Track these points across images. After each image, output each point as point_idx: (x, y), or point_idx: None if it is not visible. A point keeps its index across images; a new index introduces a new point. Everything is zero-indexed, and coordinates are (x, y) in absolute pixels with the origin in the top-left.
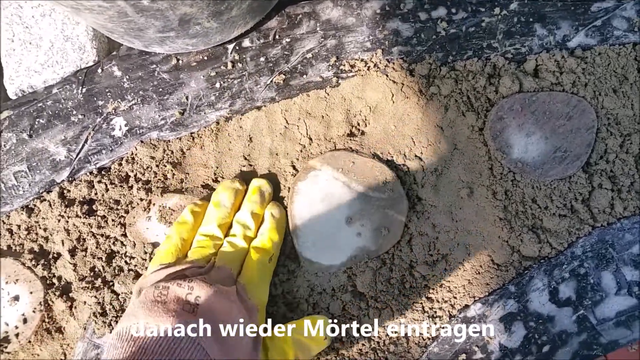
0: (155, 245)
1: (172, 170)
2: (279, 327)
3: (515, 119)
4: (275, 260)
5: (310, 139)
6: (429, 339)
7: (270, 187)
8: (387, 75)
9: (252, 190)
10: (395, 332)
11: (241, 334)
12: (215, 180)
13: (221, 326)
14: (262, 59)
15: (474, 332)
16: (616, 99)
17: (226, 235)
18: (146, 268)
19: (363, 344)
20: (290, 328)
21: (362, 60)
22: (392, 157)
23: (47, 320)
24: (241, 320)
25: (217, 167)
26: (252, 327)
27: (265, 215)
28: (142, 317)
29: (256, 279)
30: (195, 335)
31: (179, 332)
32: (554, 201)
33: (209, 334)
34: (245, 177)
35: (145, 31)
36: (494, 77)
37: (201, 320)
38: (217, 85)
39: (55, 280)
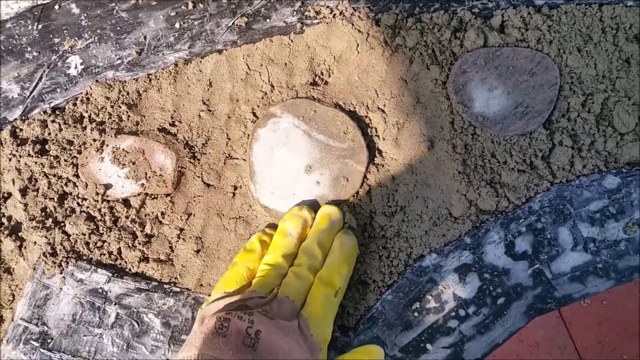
0: (107, 187)
1: (127, 112)
2: None
3: (478, 73)
4: (342, 294)
5: (272, 86)
6: (384, 286)
7: (340, 214)
8: (352, 24)
9: (321, 219)
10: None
11: None
12: (172, 125)
13: None
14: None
15: (428, 282)
16: (580, 58)
17: (292, 264)
18: (99, 210)
19: None
20: None
21: (327, 7)
22: (355, 108)
23: None
24: (302, 358)
25: (175, 111)
26: None
27: (334, 244)
28: (202, 349)
29: (320, 314)
30: None
31: None
32: (514, 156)
33: None
34: (315, 206)
35: None
36: (459, 31)
37: (260, 356)
38: (177, 25)
39: (4, 220)
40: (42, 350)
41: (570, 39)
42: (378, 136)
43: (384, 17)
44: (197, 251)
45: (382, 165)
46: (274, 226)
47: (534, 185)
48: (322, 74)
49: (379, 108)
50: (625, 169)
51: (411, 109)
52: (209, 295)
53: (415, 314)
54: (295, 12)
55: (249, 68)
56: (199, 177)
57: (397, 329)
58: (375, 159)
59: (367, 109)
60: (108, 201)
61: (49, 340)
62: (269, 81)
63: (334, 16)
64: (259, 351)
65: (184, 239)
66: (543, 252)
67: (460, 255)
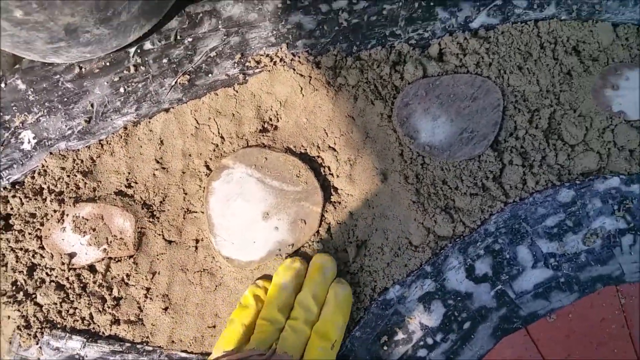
0: (72, 255)
1: (83, 180)
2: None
3: (420, 104)
4: (339, 346)
5: (223, 137)
6: (351, 323)
7: (333, 264)
8: (294, 69)
9: (313, 269)
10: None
11: None
12: (128, 186)
13: None
14: (164, 60)
15: (394, 315)
16: (522, 76)
17: (289, 316)
18: (67, 279)
19: None
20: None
21: (267, 55)
22: (306, 149)
23: None
24: None
25: (129, 173)
26: None
27: (329, 295)
28: None
29: None
30: None
31: None
32: (464, 181)
33: None
34: (307, 257)
35: (33, 44)
36: (399, 64)
37: None
38: (122, 90)
39: None
40: None
41: (509, 58)
42: (332, 174)
43: (323, 59)
44: (165, 309)
45: (339, 203)
46: (267, 277)
47: (488, 207)
48: (270, 120)
49: (329, 147)
50: (579, 180)
51: (361, 144)
52: (183, 352)
53: (385, 348)
54: (236, 64)
55: (197, 123)
56: (159, 234)
57: None
58: (332, 197)
59: (318, 149)
60: (74, 269)
61: None
62: (218, 133)
63: (274, 63)
64: None
65: (151, 298)
66: (504, 273)
67: (423, 284)
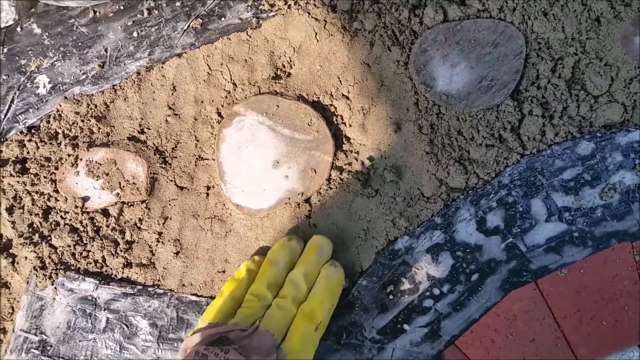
0: (85, 199)
1: (97, 124)
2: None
3: (439, 50)
4: (324, 328)
5: (235, 84)
6: (358, 272)
7: (330, 247)
8: (308, 13)
9: (309, 249)
10: None
11: None
12: (141, 132)
13: None
14: (177, 3)
15: (401, 265)
16: (546, 22)
17: (277, 294)
18: (80, 222)
19: None
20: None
21: None
22: (319, 97)
23: None
24: None
25: (142, 118)
26: None
27: (320, 275)
28: None
29: (299, 349)
30: None
31: None
32: (481, 131)
33: None
34: (306, 235)
35: None
36: (418, 8)
37: None
38: (135, 34)
39: None
40: (42, 357)
41: (534, 3)
42: (344, 123)
43: (339, 2)
44: (177, 253)
45: (351, 152)
46: (264, 251)
47: (504, 159)
48: (283, 66)
49: (343, 95)
50: (600, 133)
51: (375, 93)
52: (193, 295)
53: (391, 297)
54: (249, 8)
55: (210, 68)
56: (171, 181)
57: (373, 312)
58: (344, 146)
59: (331, 97)
60: (88, 212)
61: (48, 348)
62: (231, 80)
63: (289, 7)
64: None
65: (162, 243)
66: (515, 226)
67: (432, 235)
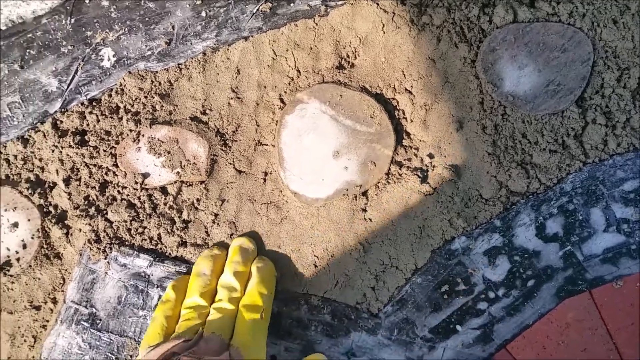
0: (145, 175)
1: (160, 102)
2: None
3: (508, 51)
4: (269, 315)
5: (299, 71)
6: (412, 270)
7: (252, 244)
8: (377, 4)
9: (233, 251)
10: (383, 264)
11: None
12: (203, 113)
13: None
14: None
15: (457, 265)
16: (616, 31)
17: (213, 302)
18: (138, 198)
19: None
20: None
21: None
22: (382, 90)
23: (45, 246)
24: None
25: (205, 100)
26: None
27: (252, 270)
28: None
29: (249, 339)
30: None
31: None
32: (545, 136)
33: None
34: (226, 243)
35: None
36: (488, 7)
37: None
38: (203, 14)
39: (51, 209)
40: (92, 330)
41: (605, 10)
42: (406, 118)
43: None
44: (231, 235)
45: (411, 148)
46: (187, 274)
47: (566, 166)
48: (348, 56)
49: (406, 90)
50: None
51: (439, 89)
52: None
53: (445, 296)
54: None
55: (275, 54)
56: (231, 164)
57: (426, 311)
58: (404, 141)
59: (394, 91)
60: (147, 189)
61: (98, 321)
62: (295, 66)
63: None
64: None
65: (218, 224)
66: (574, 234)
67: (490, 237)
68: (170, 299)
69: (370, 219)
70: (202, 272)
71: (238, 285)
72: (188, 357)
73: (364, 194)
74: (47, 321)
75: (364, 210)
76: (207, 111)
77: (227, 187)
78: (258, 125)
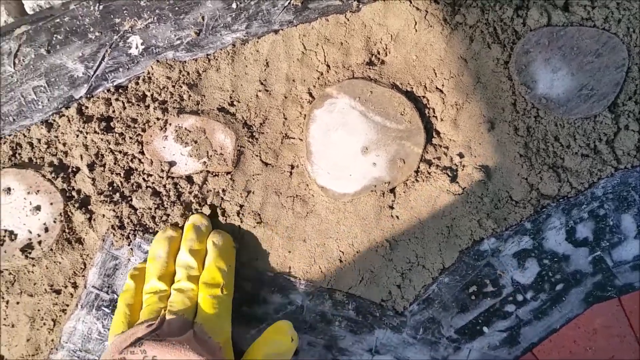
0: (172, 164)
1: (188, 92)
2: (249, 353)
3: (541, 53)
4: (231, 289)
5: (328, 66)
6: (439, 269)
7: (206, 220)
8: (410, 2)
9: (187, 230)
10: (410, 262)
11: None
12: (231, 104)
13: None
14: None
15: (485, 266)
16: None
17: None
18: (164, 186)
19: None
20: (259, 348)
21: None
22: (412, 88)
23: (67, 230)
24: None
25: (233, 91)
26: None
27: (207, 247)
28: None
29: (212, 315)
30: None
31: None
32: (577, 140)
33: None
34: (180, 224)
35: None
36: (521, 9)
37: None
38: (234, 5)
39: (74, 193)
40: (112, 316)
41: None
42: (436, 117)
43: None
44: (255, 227)
45: (440, 147)
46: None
47: (598, 171)
48: (378, 53)
49: (437, 88)
50: None
51: (471, 89)
52: (268, 272)
53: (472, 297)
54: None
55: (305, 48)
56: (257, 155)
57: (453, 311)
58: (433, 139)
59: (424, 89)
60: (172, 178)
61: None
62: (324, 61)
63: None
64: None
65: (243, 215)
66: (604, 240)
67: (520, 240)
68: (130, 288)
69: (397, 217)
70: (157, 255)
71: (195, 262)
72: (152, 341)
73: (392, 191)
74: (67, 305)
75: (391, 207)
76: (235, 103)
77: (253, 179)
78: (285, 119)
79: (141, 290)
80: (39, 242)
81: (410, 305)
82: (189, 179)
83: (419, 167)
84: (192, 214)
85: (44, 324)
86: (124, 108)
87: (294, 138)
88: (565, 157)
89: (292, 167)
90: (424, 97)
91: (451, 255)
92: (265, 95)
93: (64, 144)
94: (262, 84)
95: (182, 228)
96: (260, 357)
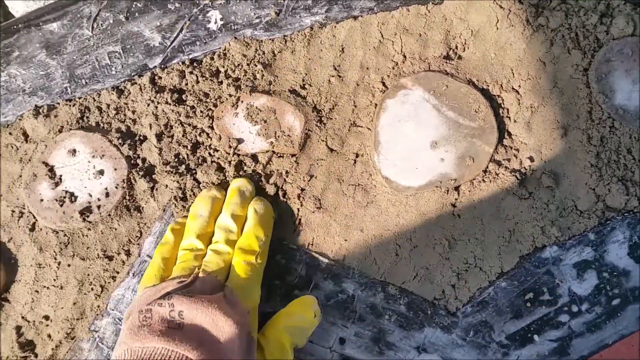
0: (240, 141)
1: (262, 71)
2: (271, 322)
3: (623, 63)
4: (264, 258)
5: (405, 56)
6: (497, 273)
7: (251, 185)
8: None
9: (231, 193)
10: (467, 263)
11: (231, 341)
12: (303, 87)
13: (209, 336)
14: None
15: (545, 274)
16: None
17: (210, 245)
18: (229, 162)
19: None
20: (281, 319)
21: None
22: (488, 86)
23: (127, 197)
24: (229, 327)
25: (306, 74)
26: (242, 332)
27: (248, 213)
28: (131, 343)
29: (244, 281)
30: (183, 350)
31: (166, 350)
32: None
33: (196, 346)
34: (225, 184)
35: None
36: (606, 17)
37: (188, 334)
38: None
39: (139, 161)
40: None
41: None
42: (509, 118)
43: None
44: (313, 212)
45: (511, 148)
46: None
47: None
48: (456, 47)
49: (513, 88)
50: None
51: (547, 93)
52: (323, 257)
53: (528, 304)
54: None
55: (382, 36)
56: (323, 141)
57: (506, 316)
58: (504, 140)
59: (500, 88)
60: (238, 155)
61: None
62: (401, 51)
63: None
64: (186, 329)
65: (303, 198)
66: None
67: (582, 251)
68: (168, 242)
69: (459, 215)
70: (199, 214)
71: (235, 227)
72: (182, 296)
73: (457, 188)
74: (118, 273)
75: (454, 205)
76: (307, 86)
77: (317, 164)
78: (355, 106)
79: (178, 245)
80: (98, 207)
81: (464, 306)
82: (254, 157)
83: (487, 166)
84: (238, 176)
85: (92, 289)
86: (197, 82)
87: (361, 126)
88: (636, 170)
89: (357, 155)
90: (499, 96)
91: (511, 260)
92: (337, 81)
93: (133, 112)
94: (335, 69)
95: (225, 189)
96: (280, 328)
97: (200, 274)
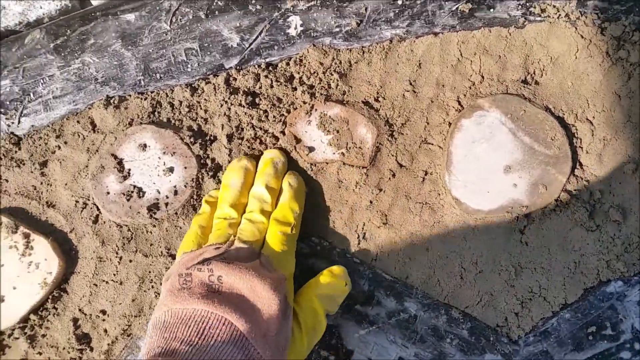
0: (310, 149)
1: (337, 80)
2: (303, 291)
3: None
4: (298, 230)
5: (482, 76)
6: (561, 305)
7: (283, 157)
8: (576, 28)
9: (264, 164)
10: (532, 291)
11: (268, 306)
12: (376, 100)
13: (246, 301)
14: None
15: (609, 309)
16: None
17: (244, 213)
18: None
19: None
20: (312, 288)
21: (554, 6)
22: (564, 114)
23: (195, 197)
24: (266, 292)
25: (381, 87)
26: (279, 297)
27: (283, 186)
28: (172, 304)
29: (280, 250)
30: (223, 312)
31: (206, 312)
32: None
33: (235, 309)
34: (257, 156)
35: None
36: None
37: (226, 298)
38: (399, 1)
39: (208, 161)
40: None
41: None
42: (582, 148)
43: (610, 26)
44: (378, 227)
45: (582, 179)
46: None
47: None
48: (534, 72)
49: (587, 119)
50: None
51: (621, 126)
52: (386, 274)
53: (590, 338)
54: (520, 6)
55: (461, 55)
56: (393, 155)
57: (567, 348)
58: (576, 170)
59: (575, 117)
60: (309, 163)
61: None
62: (479, 71)
63: (558, 17)
64: (225, 293)
65: (370, 212)
66: None
67: None
68: (205, 212)
69: (526, 243)
70: (232, 184)
71: (269, 197)
72: (220, 261)
73: (527, 215)
74: None
75: (522, 232)
76: (380, 99)
77: (386, 178)
78: (428, 123)
79: (213, 215)
80: (166, 204)
81: (526, 335)
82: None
83: (559, 196)
84: (271, 148)
85: (152, 286)
86: (271, 86)
87: (432, 144)
88: None
89: (426, 173)
90: (573, 125)
91: (575, 291)
92: (412, 96)
93: (205, 111)
94: (411, 84)
95: (256, 160)
96: (313, 296)
97: (236, 242)
